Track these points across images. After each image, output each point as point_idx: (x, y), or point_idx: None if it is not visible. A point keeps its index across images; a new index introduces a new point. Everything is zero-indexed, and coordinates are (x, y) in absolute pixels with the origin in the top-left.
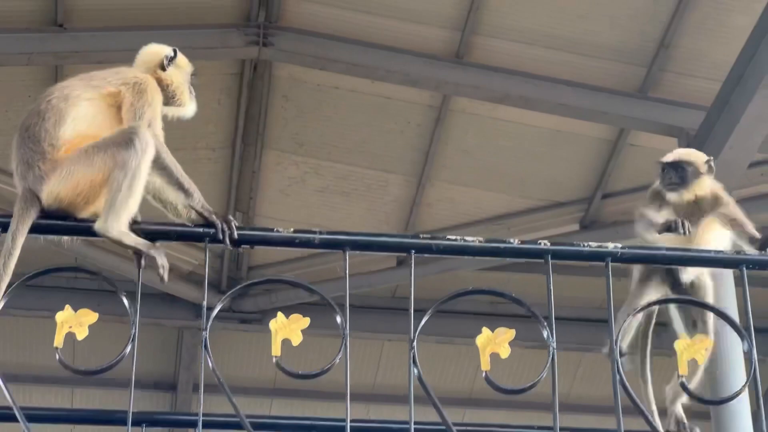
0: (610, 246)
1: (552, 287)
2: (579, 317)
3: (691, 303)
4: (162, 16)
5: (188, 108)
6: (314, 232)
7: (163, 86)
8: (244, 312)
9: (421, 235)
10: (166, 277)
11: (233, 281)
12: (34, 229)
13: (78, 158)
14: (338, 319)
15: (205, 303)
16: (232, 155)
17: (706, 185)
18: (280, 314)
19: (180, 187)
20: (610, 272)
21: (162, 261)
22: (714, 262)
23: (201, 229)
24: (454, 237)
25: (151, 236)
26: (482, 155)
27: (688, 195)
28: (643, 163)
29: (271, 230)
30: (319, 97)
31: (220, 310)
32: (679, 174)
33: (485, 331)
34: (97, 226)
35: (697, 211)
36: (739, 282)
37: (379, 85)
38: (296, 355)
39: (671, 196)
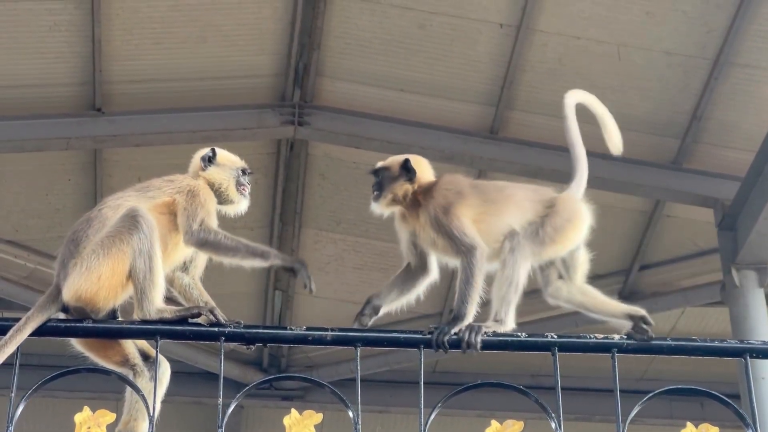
0: (616, 338)
1: (559, 379)
2: (582, 387)
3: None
4: (198, 99)
5: (239, 204)
6: (326, 330)
7: (212, 187)
8: (286, 389)
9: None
10: (206, 322)
11: (274, 358)
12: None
13: (94, 251)
14: (350, 414)
15: (221, 401)
16: (270, 234)
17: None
18: (293, 411)
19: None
20: (616, 363)
21: (205, 315)
22: (719, 351)
23: (216, 329)
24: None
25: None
26: None
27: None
28: (680, 234)
29: (284, 328)
30: (355, 175)
31: (261, 388)
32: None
33: (494, 423)
34: (137, 316)
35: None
36: None
37: None
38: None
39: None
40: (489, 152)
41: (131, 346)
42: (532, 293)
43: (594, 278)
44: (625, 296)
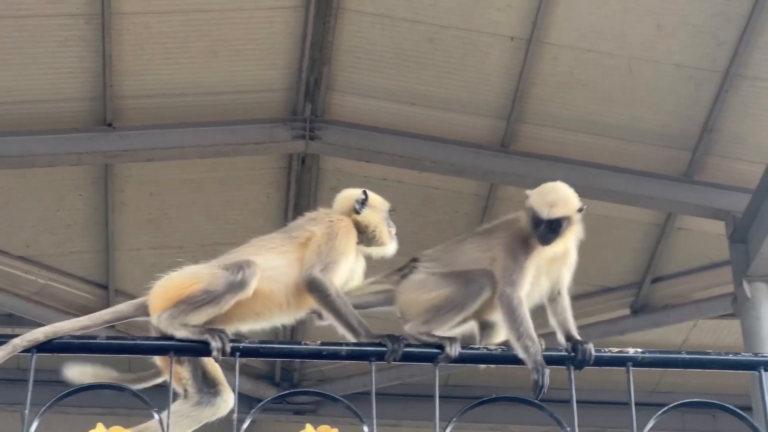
0: (631, 351)
1: (574, 393)
2: (594, 400)
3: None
4: (209, 113)
5: (389, 247)
6: (340, 344)
7: (361, 228)
8: (298, 403)
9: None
10: (218, 355)
11: (286, 372)
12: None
13: (191, 269)
14: (365, 429)
15: (235, 416)
16: None
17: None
18: (308, 426)
19: None
20: (631, 376)
21: (215, 344)
22: (733, 364)
23: (231, 344)
24: (476, 346)
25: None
26: None
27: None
28: (692, 247)
29: (299, 343)
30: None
31: (273, 402)
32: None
33: None
34: (154, 322)
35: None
36: None
37: (426, 175)
38: None
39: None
40: (500, 166)
41: (185, 368)
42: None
43: (605, 291)
44: (637, 309)
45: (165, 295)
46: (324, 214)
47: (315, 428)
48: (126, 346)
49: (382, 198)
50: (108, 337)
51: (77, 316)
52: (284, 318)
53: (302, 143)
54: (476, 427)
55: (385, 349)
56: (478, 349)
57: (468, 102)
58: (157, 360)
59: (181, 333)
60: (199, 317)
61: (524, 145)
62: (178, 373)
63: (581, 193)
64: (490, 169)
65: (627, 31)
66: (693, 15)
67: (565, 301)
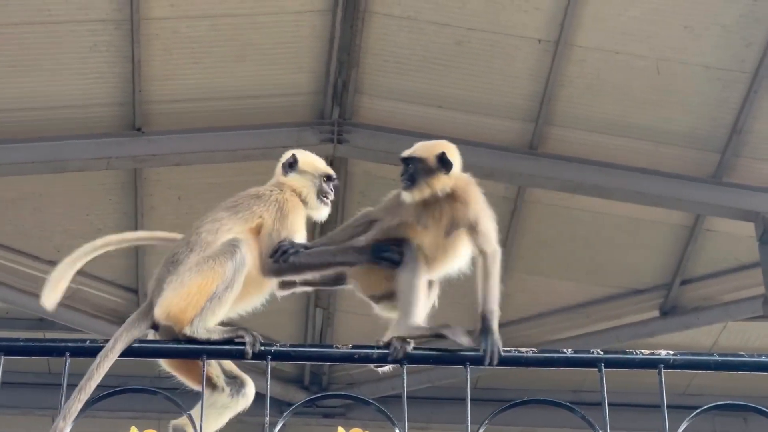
0: (663, 353)
1: (606, 395)
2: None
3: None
4: (237, 117)
5: (318, 212)
6: (372, 348)
7: (295, 191)
8: (327, 407)
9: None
10: (250, 350)
11: (315, 376)
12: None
13: (190, 269)
14: (396, 431)
15: (267, 419)
16: None
17: (442, 184)
18: (340, 429)
19: None
20: (663, 379)
21: (249, 339)
22: (766, 367)
23: (263, 348)
24: (508, 348)
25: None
26: (559, 245)
27: (419, 195)
28: (721, 249)
29: (330, 346)
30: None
31: (302, 405)
32: (410, 171)
33: None
34: (186, 332)
35: (440, 215)
36: None
37: None
38: None
39: (404, 196)
40: (528, 168)
41: (215, 366)
42: (572, 309)
43: (634, 293)
44: (667, 311)
45: (188, 305)
46: (267, 190)
47: (347, 431)
48: (159, 350)
49: (319, 162)
50: (140, 341)
51: (107, 320)
52: (257, 298)
53: (330, 147)
54: (506, 430)
55: (418, 352)
56: (510, 351)
57: (495, 104)
58: (164, 363)
59: (216, 336)
60: (223, 309)
61: (552, 148)
62: (208, 371)
63: (609, 195)
64: (518, 171)
65: (655, 33)
66: (721, 16)
67: (486, 269)
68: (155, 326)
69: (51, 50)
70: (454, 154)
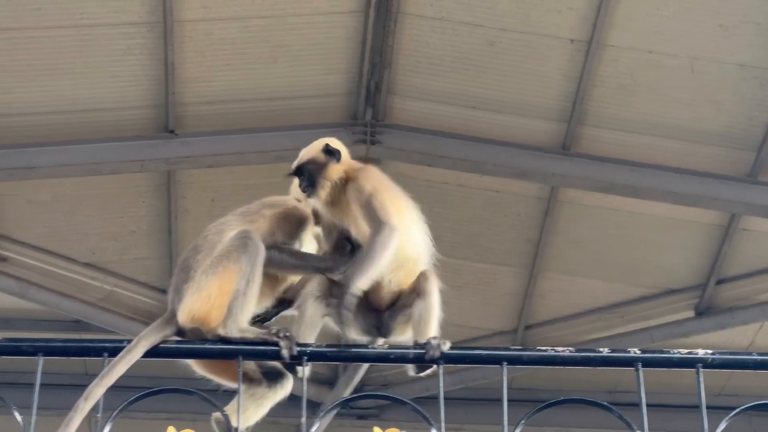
0: (701, 353)
1: (644, 395)
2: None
3: None
4: (270, 119)
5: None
6: (408, 348)
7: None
8: (361, 408)
9: (512, 347)
10: (287, 352)
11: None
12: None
13: (205, 272)
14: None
15: (304, 419)
16: None
17: (337, 172)
18: (376, 429)
19: None
20: (701, 378)
21: (285, 340)
22: None
23: (299, 349)
24: (544, 348)
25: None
26: (593, 245)
27: (323, 193)
28: (757, 248)
29: (366, 347)
30: (428, 193)
31: (338, 406)
32: (305, 178)
33: None
34: (219, 333)
35: (347, 204)
36: None
37: (488, 179)
38: None
39: (312, 203)
40: (562, 168)
41: (250, 363)
42: (606, 309)
43: (669, 293)
44: (702, 311)
45: (211, 307)
46: (278, 199)
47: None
48: (195, 350)
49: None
50: (177, 342)
51: (142, 322)
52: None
53: (363, 148)
54: (540, 431)
55: (455, 352)
56: (545, 350)
57: (528, 105)
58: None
59: (251, 336)
60: (251, 303)
61: (585, 147)
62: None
63: (642, 194)
64: (552, 171)
65: (688, 32)
66: (755, 14)
67: (370, 241)
68: (180, 332)
69: (84, 53)
70: (337, 143)
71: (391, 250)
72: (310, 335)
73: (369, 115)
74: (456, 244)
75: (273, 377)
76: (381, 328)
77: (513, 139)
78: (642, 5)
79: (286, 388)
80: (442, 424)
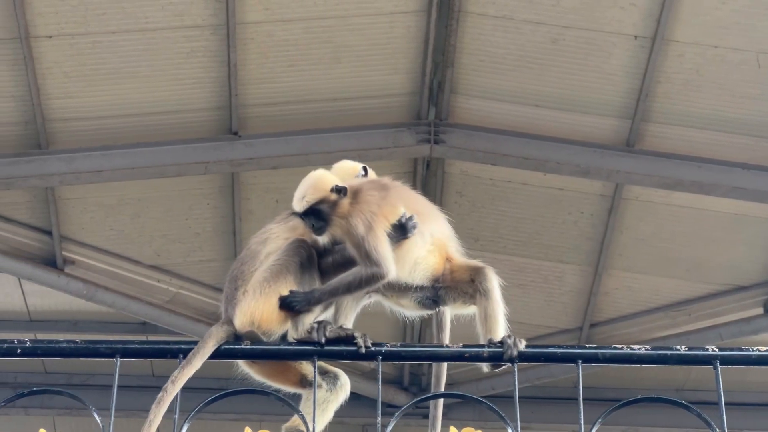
0: None
1: (722, 393)
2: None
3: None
4: (333, 120)
5: None
6: (482, 346)
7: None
8: (427, 407)
9: (587, 345)
10: (364, 350)
11: (414, 376)
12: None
13: (265, 277)
14: (509, 430)
15: (379, 419)
16: None
17: (345, 207)
18: (452, 428)
19: None
20: None
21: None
22: None
23: (373, 349)
24: (620, 346)
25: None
26: (658, 242)
27: (336, 230)
28: None
29: (440, 346)
30: (492, 192)
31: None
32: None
33: None
34: (290, 336)
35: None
36: None
37: (551, 177)
38: None
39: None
40: (626, 165)
41: (307, 366)
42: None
43: (737, 290)
44: None
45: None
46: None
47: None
48: (270, 351)
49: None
50: (253, 343)
51: (208, 323)
52: None
53: (427, 147)
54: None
55: (530, 350)
56: (621, 348)
57: (592, 102)
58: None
59: (330, 335)
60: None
61: (650, 144)
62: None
63: (708, 191)
64: (615, 168)
65: (754, 26)
66: None
67: None
68: (236, 337)
69: (148, 57)
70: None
71: (368, 288)
72: (347, 321)
73: (432, 115)
74: (519, 242)
75: (331, 380)
76: (438, 300)
77: (576, 137)
78: (706, 0)
79: (345, 389)
80: (518, 423)
